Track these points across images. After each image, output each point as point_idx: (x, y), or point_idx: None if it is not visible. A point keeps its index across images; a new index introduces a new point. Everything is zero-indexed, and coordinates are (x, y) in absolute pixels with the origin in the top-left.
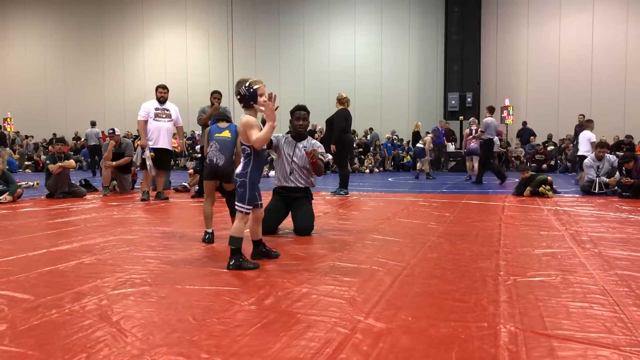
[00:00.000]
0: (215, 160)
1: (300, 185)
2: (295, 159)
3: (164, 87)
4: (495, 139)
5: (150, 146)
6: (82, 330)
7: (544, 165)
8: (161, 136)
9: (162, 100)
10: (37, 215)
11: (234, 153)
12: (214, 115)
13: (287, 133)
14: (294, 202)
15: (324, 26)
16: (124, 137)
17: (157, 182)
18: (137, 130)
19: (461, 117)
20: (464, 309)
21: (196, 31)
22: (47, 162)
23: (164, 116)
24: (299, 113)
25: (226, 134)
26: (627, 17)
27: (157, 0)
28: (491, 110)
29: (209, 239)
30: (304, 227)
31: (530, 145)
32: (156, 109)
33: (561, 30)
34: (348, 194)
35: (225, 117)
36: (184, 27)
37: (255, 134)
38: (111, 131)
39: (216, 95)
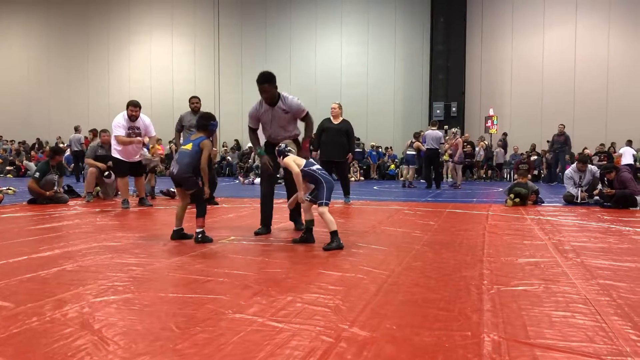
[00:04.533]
0: (172, 168)
1: (286, 135)
2: (275, 120)
3: (136, 105)
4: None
5: (120, 157)
6: (63, 339)
7: (528, 175)
8: (132, 153)
9: (132, 119)
10: (18, 222)
11: (190, 163)
12: (198, 115)
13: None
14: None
15: (311, 34)
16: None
17: (137, 188)
18: (118, 143)
19: (446, 127)
20: (448, 318)
21: (182, 37)
22: (37, 174)
23: (134, 136)
24: (260, 87)
25: (188, 146)
26: (609, 29)
27: (144, 4)
28: (434, 123)
29: (173, 235)
30: None
31: (514, 155)
32: (128, 128)
33: (545, 42)
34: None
35: (203, 120)
36: (170, 32)
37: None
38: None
39: (194, 100)
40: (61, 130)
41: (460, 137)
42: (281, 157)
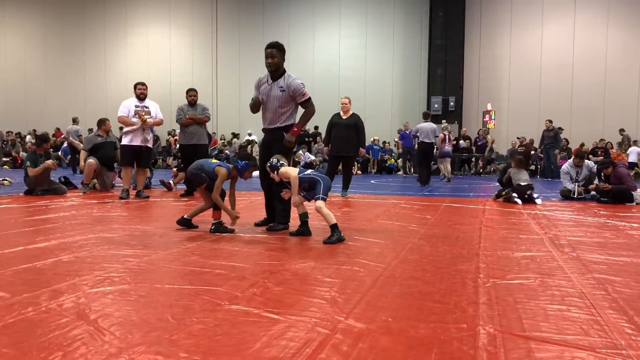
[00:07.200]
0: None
1: (279, 124)
2: (271, 98)
3: (143, 84)
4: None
5: (128, 143)
6: (58, 329)
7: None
8: (140, 134)
9: (141, 97)
10: (15, 212)
11: (200, 167)
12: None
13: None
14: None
15: (309, 29)
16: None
17: (137, 180)
18: (120, 127)
19: (444, 121)
20: (443, 311)
21: (180, 30)
22: (27, 163)
23: (142, 113)
24: (267, 51)
25: (213, 160)
26: (607, 25)
27: None
28: (425, 116)
29: (179, 220)
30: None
31: (512, 151)
32: (136, 106)
33: (543, 37)
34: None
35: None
36: (168, 25)
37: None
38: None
39: (191, 93)
40: (58, 122)
41: (445, 131)
42: (275, 172)
